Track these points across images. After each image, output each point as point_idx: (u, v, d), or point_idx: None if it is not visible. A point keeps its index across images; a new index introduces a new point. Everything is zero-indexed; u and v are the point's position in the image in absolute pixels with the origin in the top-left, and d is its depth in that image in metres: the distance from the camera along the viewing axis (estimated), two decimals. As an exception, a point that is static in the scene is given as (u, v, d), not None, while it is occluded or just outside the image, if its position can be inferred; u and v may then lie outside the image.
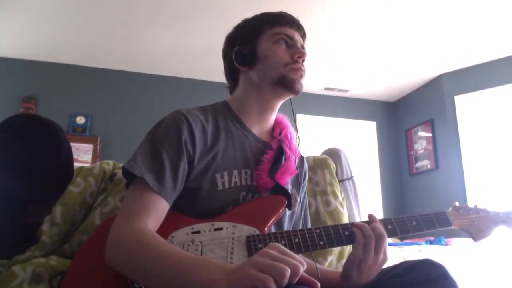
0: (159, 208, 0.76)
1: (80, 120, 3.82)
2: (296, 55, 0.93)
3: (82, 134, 3.77)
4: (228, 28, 1.04)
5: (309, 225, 1.08)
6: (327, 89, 4.49)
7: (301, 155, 1.09)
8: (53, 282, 0.91)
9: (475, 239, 0.88)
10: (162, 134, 0.83)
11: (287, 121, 1.04)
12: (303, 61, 0.95)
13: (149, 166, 0.78)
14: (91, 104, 3.92)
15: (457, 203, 0.93)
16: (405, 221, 0.85)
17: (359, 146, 4.52)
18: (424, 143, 4.26)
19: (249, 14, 1.02)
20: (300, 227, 1.02)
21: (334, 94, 4.64)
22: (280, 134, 0.99)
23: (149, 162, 0.79)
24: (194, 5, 2.97)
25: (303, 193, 1.06)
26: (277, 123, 1.03)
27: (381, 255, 0.78)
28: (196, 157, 0.85)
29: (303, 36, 1.01)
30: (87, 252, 0.82)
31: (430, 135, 4.17)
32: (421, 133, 4.32)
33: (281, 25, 0.96)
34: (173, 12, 3.07)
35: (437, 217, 0.88)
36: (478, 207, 0.92)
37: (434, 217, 0.88)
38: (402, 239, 3.30)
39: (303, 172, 1.08)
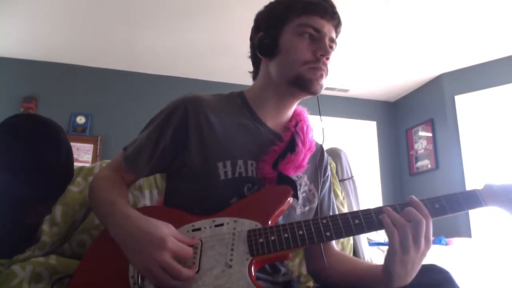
0: (126, 175, 0.91)
1: (80, 120, 3.82)
2: (319, 52, 0.85)
3: (82, 134, 3.77)
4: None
5: None
6: (327, 88, 4.49)
7: (322, 148, 1.02)
8: (52, 281, 0.91)
9: None
10: (157, 116, 0.91)
11: (305, 114, 0.98)
12: (327, 58, 0.86)
13: (134, 141, 0.90)
14: (91, 104, 3.92)
15: (491, 181, 0.83)
16: (426, 204, 0.75)
17: (359, 146, 4.52)
18: (424, 142, 4.26)
19: (251, 14, 0.98)
20: None
21: (334, 94, 4.64)
22: (295, 126, 0.93)
23: (138, 138, 0.91)
24: (195, 5, 2.97)
25: (324, 189, 1.00)
26: (295, 114, 0.97)
27: (423, 242, 0.68)
28: (191, 144, 0.85)
29: (337, 25, 0.90)
30: (95, 253, 0.82)
31: (430, 134, 4.17)
32: (421, 133, 4.31)
33: (310, 14, 0.86)
34: (174, 12, 3.07)
35: (465, 197, 0.77)
36: None
37: (461, 198, 0.77)
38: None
39: (323, 165, 1.01)
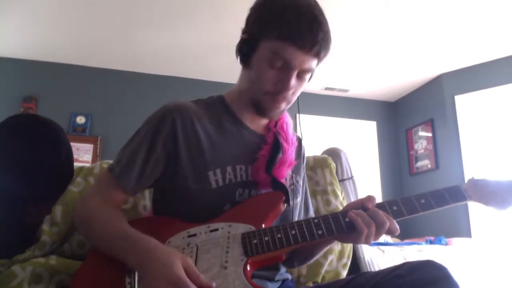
0: (117, 196, 0.85)
1: (80, 120, 3.82)
2: (280, 86, 0.83)
3: (82, 134, 3.77)
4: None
5: (311, 210, 1.05)
6: (327, 89, 4.49)
7: (299, 138, 1.04)
8: (52, 282, 0.91)
9: (499, 209, 0.81)
10: (142, 129, 0.88)
11: None
12: (289, 90, 0.84)
13: (120, 160, 0.86)
14: (91, 104, 3.92)
15: (474, 176, 0.85)
16: (412, 200, 0.80)
17: (359, 146, 4.51)
18: (424, 142, 4.26)
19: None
20: (303, 211, 1.01)
21: (334, 94, 4.64)
22: (276, 125, 0.96)
23: (124, 155, 0.86)
24: (194, 5, 2.97)
25: (301, 177, 1.03)
26: None
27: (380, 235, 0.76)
28: (181, 155, 0.84)
29: (318, 53, 0.83)
30: (93, 259, 0.81)
31: (430, 134, 4.17)
32: (421, 133, 4.31)
33: (286, 40, 0.79)
34: (173, 12, 3.07)
35: (449, 192, 0.81)
36: (499, 178, 0.84)
37: (446, 193, 0.81)
38: (402, 238, 3.30)
39: (301, 154, 1.05)
